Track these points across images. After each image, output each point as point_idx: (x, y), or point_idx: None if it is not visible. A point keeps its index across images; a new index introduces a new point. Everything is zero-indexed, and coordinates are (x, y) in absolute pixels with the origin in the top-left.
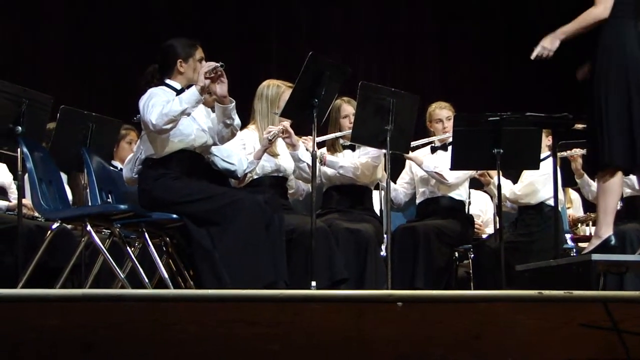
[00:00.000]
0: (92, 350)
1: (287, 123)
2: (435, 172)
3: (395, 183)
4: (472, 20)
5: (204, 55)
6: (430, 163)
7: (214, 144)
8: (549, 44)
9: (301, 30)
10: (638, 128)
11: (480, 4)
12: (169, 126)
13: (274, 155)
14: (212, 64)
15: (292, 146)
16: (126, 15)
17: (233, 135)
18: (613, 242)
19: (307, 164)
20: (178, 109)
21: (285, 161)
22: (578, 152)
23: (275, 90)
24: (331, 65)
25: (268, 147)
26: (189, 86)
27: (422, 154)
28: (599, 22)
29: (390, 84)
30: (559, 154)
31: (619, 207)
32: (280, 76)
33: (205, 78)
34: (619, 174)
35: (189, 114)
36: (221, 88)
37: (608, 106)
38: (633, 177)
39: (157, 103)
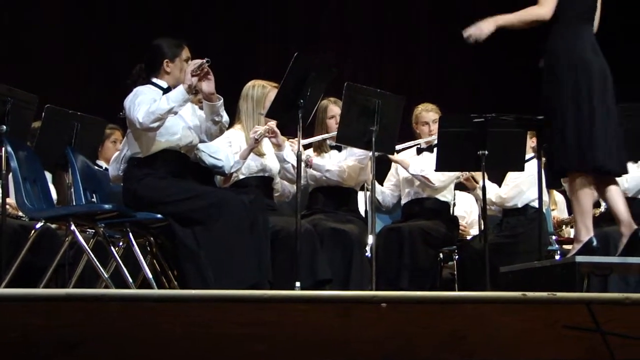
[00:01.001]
0: (75, 350)
1: (273, 123)
2: (421, 176)
3: (381, 185)
4: (463, 22)
5: (191, 55)
6: (417, 166)
7: (201, 141)
8: (485, 27)
9: (289, 30)
10: (589, 132)
11: (472, 5)
12: (155, 124)
13: (260, 154)
14: (198, 61)
15: (278, 146)
16: (112, 14)
17: (221, 132)
18: (595, 243)
19: (292, 164)
20: (165, 107)
21: (271, 161)
22: None
23: (261, 91)
24: (317, 66)
25: (254, 146)
26: (176, 86)
27: (408, 156)
28: (538, 22)
29: (378, 85)
30: (544, 158)
31: (602, 209)
32: (267, 76)
33: (192, 76)
34: (586, 175)
35: (175, 113)
36: (208, 85)
37: (563, 112)
38: (619, 180)
39: (143, 101)
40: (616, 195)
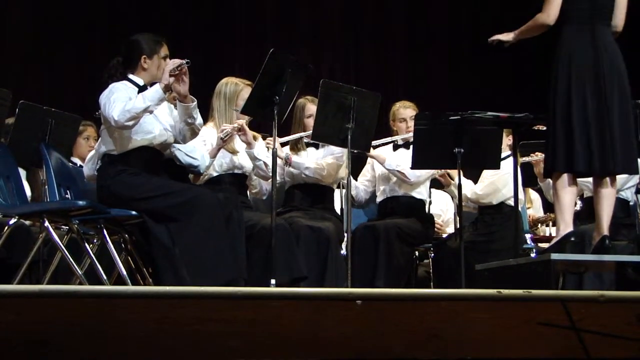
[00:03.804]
0: (48, 347)
1: (242, 121)
2: (397, 171)
3: (356, 180)
4: (439, 19)
5: (169, 52)
6: (393, 161)
7: (175, 141)
8: (504, 37)
9: (266, 28)
10: (579, 133)
11: (448, 2)
12: (130, 123)
13: (233, 152)
14: (177, 61)
15: (248, 144)
16: (90, 9)
17: (195, 134)
18: (572, 238)
19: (264, 161)
20: (141, 106)
21: (243, 158)
22: (540, 156)
23: (234, 88)
24: (292, 63)
25: (222, 145)
26: (152, 83)
27: (384, 152)
28: (545, 27)
29: (355, 83)
30: (521, 158)
31: (578, 208)
32: (243, 73)
33: (170, 76)
34: (566, 173)
35: (151, 112)
36: (183, 86)
37: (554, 113)
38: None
39: (118, 98)
40: (603, 199)
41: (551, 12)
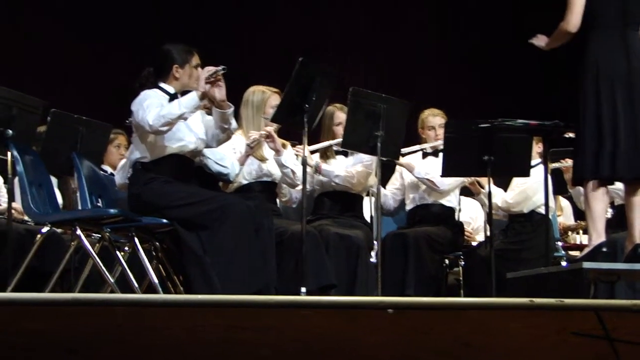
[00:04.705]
0: (80, 354)
1: (270, 128)
2: (426, 179)
3: (385, 188)
4: (468, 26)
5: (200, 61)
6: (422, 169)
7: (207, 146)
8: (537, 42)
9: (295, 37)
10: (608, 139)
11: (477, 12)
12: (165, 128)
13: (262, 159)
14: (212, 69)
15: (276, 151)
16: (119, 17)
17: (229, 138)
18: (604, 248)
19: (291, 169)
20: (176, 112)
21: (272, 166)
22: (570, 163)
23: (261, 96)
24: (322, 71)
25: (250, 153)
26: (183, 92)
27: (413, 160)
28: (568, 34)
29: (383, 91)
30: (551, 165)
31: (609, 216)
32: (272, 82)
33: (206, 83)
34: (597, 181)
35: (186, 119)
36: (220, 92)
37: (583, 120)
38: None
39: (152, 104)
40: (634, 207)
41: (571, 19)
